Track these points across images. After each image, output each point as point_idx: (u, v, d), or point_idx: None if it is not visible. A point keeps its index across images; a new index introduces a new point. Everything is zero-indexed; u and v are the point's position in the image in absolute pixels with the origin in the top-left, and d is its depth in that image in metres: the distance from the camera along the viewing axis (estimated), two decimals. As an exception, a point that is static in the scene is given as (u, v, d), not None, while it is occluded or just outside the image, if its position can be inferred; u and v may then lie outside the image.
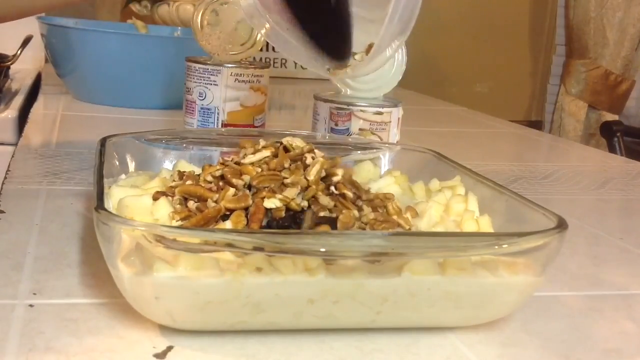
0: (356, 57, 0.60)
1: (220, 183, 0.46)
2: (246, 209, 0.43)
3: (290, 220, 0.43)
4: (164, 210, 0.45)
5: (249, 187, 0.45)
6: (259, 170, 0.46)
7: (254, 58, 0.86)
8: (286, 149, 0.48)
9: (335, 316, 0.39)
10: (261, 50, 0.84)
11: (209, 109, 0.79)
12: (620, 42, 2.22)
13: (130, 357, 0.37)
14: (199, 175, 0.49)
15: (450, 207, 0.51)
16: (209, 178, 0.47)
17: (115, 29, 1.25)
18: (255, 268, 0.37)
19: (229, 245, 0.36)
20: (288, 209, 0.43)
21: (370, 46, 0.57)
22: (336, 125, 0.72)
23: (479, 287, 0.40)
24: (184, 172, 0.50)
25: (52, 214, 0.58)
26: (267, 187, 0.44)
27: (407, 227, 0.46)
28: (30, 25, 1.21)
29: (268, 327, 0.40)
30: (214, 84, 0.78)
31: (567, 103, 2.27)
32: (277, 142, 0.49)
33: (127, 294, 0.39)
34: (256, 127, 0.80)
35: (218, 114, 0.79)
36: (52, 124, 0.94)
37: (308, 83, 1.72)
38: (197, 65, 0.79)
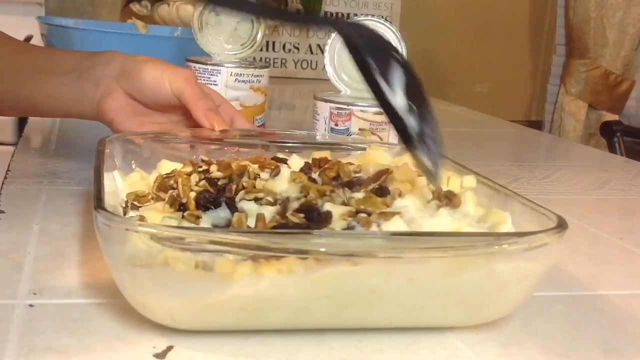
0: None
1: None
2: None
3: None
4: None
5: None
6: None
7: (254, 58, 0.86)
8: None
9: (335, 316, 0.39)
10: (261, 50, 0.83)
11: (209, 109, 0.79)
12: (620, 42, 2.22)
13: (130, 357, 0.37)
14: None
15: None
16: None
17: (115, 29, 1.25)
18: (256, 268, 0.37)
19: (230, 245, 0.36)
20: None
21: None
22: (336, 125, 0.72)
23: (478, 287, 0.40)
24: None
25: (52, 214, 0.58)
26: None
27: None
28: (31, 25, 1.21)
29: (269, 327, 0.40)
30: (214, 84, 0.78)
31: (567, 103, 2.27)
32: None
33: (126, 294, 0.39)
34: (256, 127, 0.80)
35: (218, 114, 0.78)
36: (52, 124, 0.94)
37: (308, 83, 1.72)
38: (197, 65, 0.79)
